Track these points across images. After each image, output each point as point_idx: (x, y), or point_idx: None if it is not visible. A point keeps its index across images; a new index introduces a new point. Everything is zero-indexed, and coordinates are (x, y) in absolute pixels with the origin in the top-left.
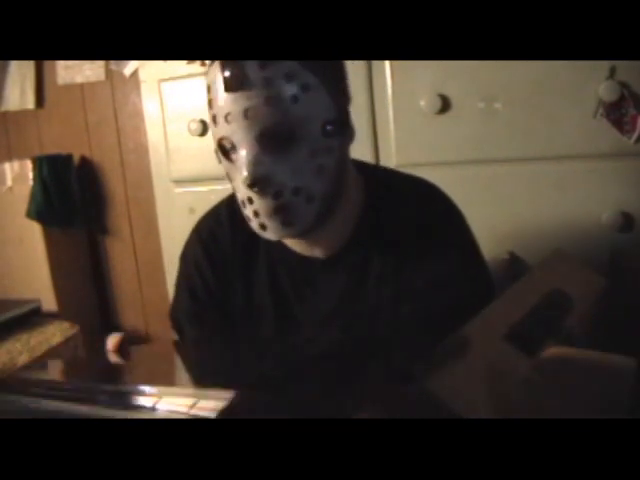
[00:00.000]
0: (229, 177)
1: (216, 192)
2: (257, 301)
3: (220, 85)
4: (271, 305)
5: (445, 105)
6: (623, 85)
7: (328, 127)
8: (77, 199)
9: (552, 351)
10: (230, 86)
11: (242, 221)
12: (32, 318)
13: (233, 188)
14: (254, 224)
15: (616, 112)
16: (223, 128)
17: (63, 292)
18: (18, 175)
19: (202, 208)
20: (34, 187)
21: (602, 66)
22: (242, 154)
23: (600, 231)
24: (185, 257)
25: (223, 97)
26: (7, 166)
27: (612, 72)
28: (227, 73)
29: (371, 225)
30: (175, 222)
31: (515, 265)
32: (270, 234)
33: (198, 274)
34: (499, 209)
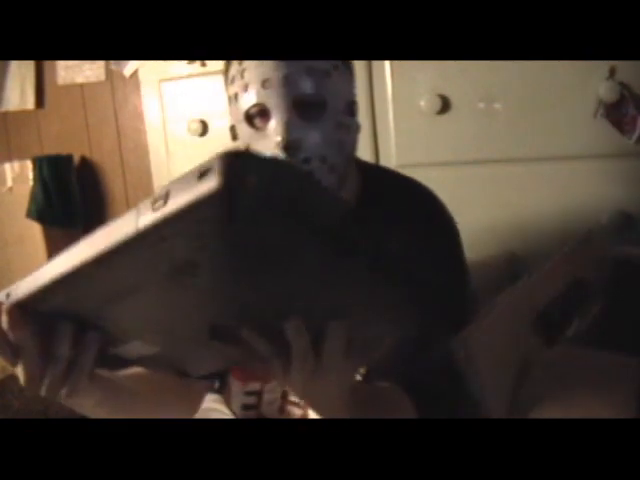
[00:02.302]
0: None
1: None
2: None
3: None
4: None
5: (445, 105)
6: (623, 85)
7: (351, 106)
8: (77, 199)
9: (562, 351)
10: None
11: None
12: None
13: None
14: None
15: (616, 112)
16: (258, 95)
17: None
18: (18, 175)
19: None
20: (34, 187)
21: (602, 66)
22: (276, 119)
23: (600, 231)
24: None
25: (261, 64)
26: (7, 166)
27: (612, 72)
28: None
29: (360, 219)
30: None
31: (515, 265)
32: None
33: None
34: (499, 209)
